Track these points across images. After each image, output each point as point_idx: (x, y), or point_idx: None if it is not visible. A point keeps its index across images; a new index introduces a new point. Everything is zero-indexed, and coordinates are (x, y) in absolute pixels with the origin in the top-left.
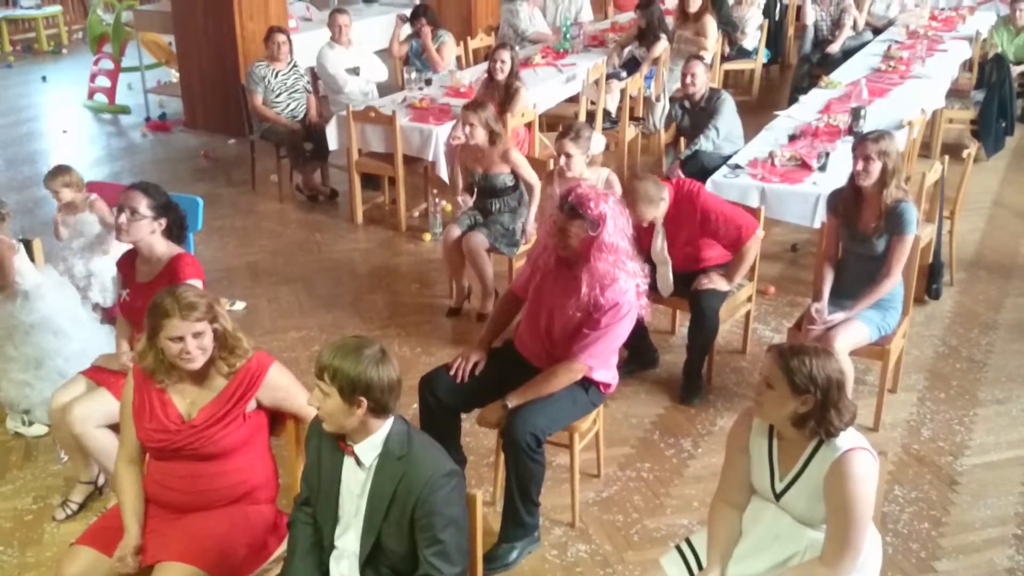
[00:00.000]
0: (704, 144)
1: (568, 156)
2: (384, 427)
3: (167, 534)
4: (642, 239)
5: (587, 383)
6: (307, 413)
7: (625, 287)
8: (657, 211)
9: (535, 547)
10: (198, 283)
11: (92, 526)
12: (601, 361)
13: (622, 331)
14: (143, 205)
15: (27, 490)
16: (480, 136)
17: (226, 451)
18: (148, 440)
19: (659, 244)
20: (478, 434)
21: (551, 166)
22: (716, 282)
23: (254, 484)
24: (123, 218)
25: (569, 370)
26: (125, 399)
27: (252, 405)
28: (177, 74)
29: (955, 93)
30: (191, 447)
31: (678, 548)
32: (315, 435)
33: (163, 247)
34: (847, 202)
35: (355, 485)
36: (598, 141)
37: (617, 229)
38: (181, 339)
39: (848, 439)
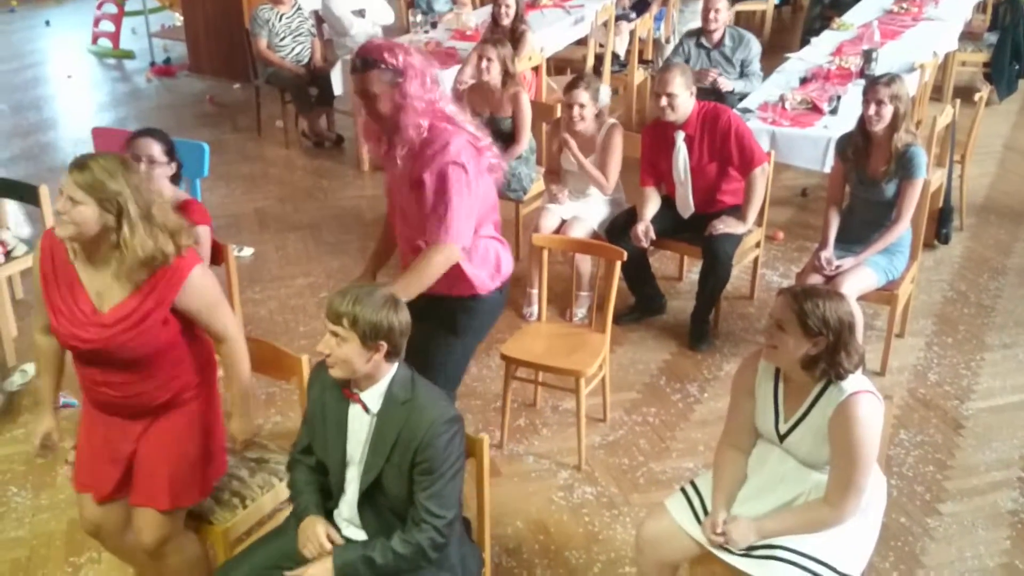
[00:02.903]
0: (749, 85)
1: (581, 106)
2: (390, 373)
3: (119, 460)
4: (662, 160)
5: (462, 299)
6: (229, 335)
7: (449, 142)
8: (682, 94)
9: None
10: (206, 229)
11: (76, 469)
12: (457, 232)
13: (470, 196)
14: (158, 151)
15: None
16: (495, 72)
17: (149, 355)
18: (63, 338)
19: (680, 162)
20: (485, 379)
21: (558, 113)
22: (730, 225)
23: (186, 380)
24: (143, 168)
25: (437, 251)
26: (35, 270)
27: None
28: (181, 18)
29: (968, 35)
30: (107, 352)
31: (683, 490)
32: (317, 383)
33: (170, 192)
34: (856, 147)
35: (361, 431)
36: (605, 92)
37: (423, 80)
38: (60, 194)
39: (854, 382)
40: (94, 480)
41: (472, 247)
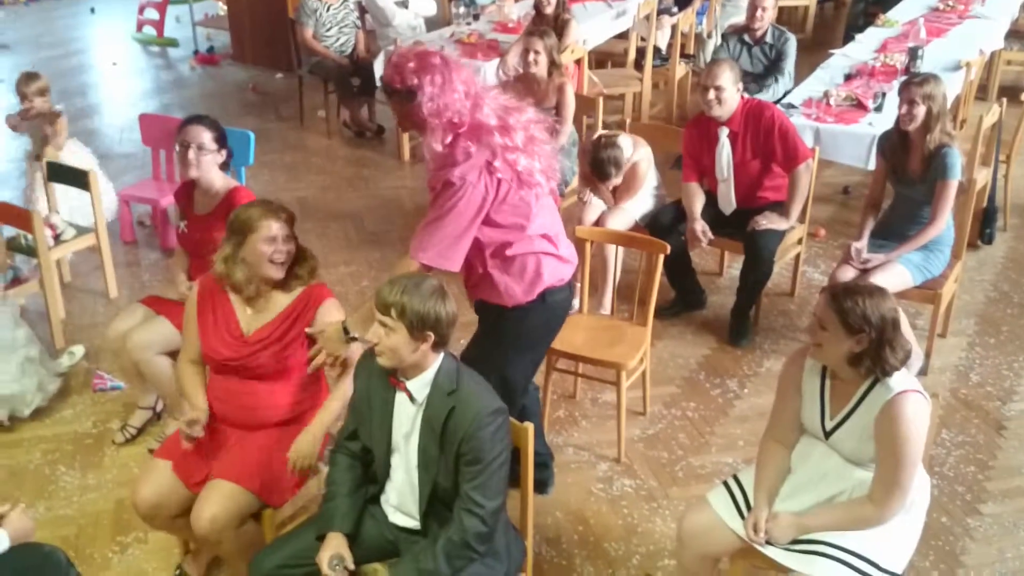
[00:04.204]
0: (774, 90)
1: (615, 188)
2: (436, 363)
3: (219, 454)
4: (705, 156)
5: (498, 307)
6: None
7: (457, 163)
8: (729, 88)
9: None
10: None
11: (169, 439)
12: (434, 254)
13: (458, 219)
14: (208, 138)
15: (87, 414)
16: (543, 64)
17: (282, 372)
18: (210, 352)
19: (724, 159)
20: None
21: (599, 106)
22: (774, 221)
23: (306, 408)
24: (191, 154)
25: (403, 263)
26: (189, 311)
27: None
28: (225, 7)
29: (1015, 34)
30: (247, 365)
31: (725, 484)
32: (364, 371)
33: (221, 180)
34: (894, 146)
35: (406, 419)
36: (627, 145)
37: (444, 93)
38: (274, 239)
39: (901, 381)
40: (188, 465)
41: (508, 261)
